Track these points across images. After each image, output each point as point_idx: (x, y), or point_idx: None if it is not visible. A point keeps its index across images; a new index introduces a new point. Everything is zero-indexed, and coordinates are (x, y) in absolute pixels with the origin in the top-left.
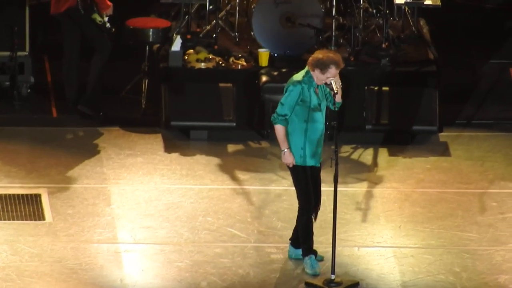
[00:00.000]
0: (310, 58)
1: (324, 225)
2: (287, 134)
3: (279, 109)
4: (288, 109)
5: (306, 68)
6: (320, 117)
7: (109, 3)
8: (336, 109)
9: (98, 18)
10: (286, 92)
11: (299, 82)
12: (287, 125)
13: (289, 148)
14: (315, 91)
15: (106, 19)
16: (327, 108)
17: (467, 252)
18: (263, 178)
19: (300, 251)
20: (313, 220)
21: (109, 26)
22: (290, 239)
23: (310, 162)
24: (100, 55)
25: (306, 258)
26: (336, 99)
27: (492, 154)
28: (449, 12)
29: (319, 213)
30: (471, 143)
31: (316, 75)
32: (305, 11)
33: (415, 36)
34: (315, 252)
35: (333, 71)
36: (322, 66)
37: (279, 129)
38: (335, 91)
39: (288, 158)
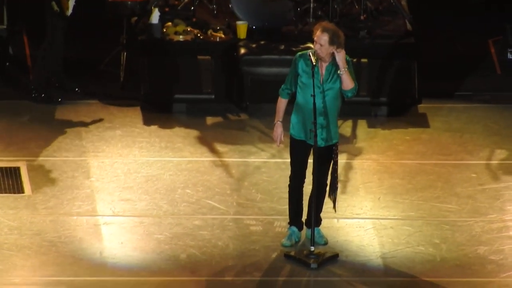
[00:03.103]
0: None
1: (304, 197)
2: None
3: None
4: (288, 81)
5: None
6: (308, 95)
7: None
8: (349, 96)
9: (54, 7)
10: None
11: (299, 54)
12: (288, 98)
13: (292, 119)
14: (311, 69)
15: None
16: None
17: (446, 223)
18: (242, 150)
19: (309, 231)
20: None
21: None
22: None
23: (300, 136)
24: (44, 44)
25: (288, 227)
26: (343, 84)
27: (471, 125)
28: None
29: None
30: (450, 114)
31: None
32: None
33: (393, 8)
34: (299, 225)
35: (317, 32)
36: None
37: (278, 100)
38: (314, 63)
39: (276, 131)
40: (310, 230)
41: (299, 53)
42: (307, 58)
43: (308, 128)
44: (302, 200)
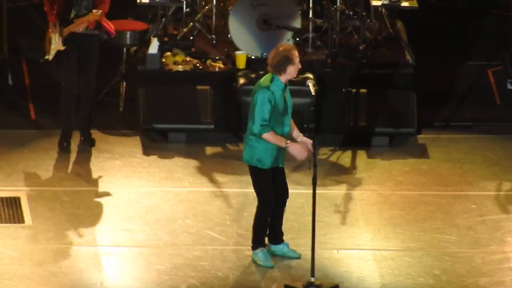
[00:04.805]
0: (272, 63)
1: (304, 228)
2: (256, 135)
3: (257, 119)
4: (267, 113)
5: (270, 75)
6: (288, 120)
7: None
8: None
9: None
10: (256, 100)
11: (268, 87)
12: (272, 129)
13: (259, 150)
14: (283, 95)
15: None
16: (305, 110)
17: (446, 254)
18: (241, 180)
19: (279, 246)
20: (283, 212)
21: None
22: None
23: (280, 163)
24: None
25: (257, 251)
26: None
27: (470, 156)
28: (426, 13)
29: (298, 216)
30: (450, 145)
31: (290, 71)
32: (282, 13)
33: (392, 38)
34: (265, 245)
35: (296, 52)
36: (289, 58)
37: (268, 136)
38: (313, 93)
39: (298, 150)
40: (279, 245)
41: (264, 85)
42: (279, 87)
43: (277, 153)
44: None
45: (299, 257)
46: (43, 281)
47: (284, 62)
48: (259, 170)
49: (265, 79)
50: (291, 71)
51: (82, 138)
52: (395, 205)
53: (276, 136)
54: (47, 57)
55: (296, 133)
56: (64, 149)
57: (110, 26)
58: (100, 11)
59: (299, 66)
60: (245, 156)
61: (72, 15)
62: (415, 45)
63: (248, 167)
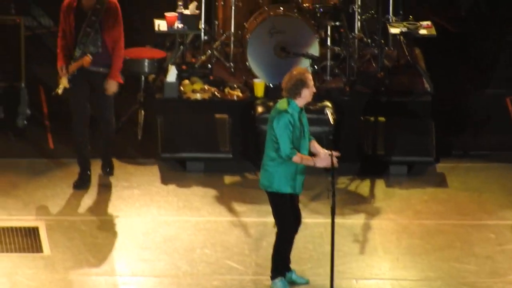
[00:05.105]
0: (286, 87)
1: (322, 257)
2: (275, 160)
3: (284, 143)
4: (287, 142)
5: (285, 99)
6: (305, 144)
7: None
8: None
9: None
10: (274, 125)
11: (286, 110)
12: (297, 151)
13: (278, 176)
14: (299, 118)
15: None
16: (323, 138)
17: (465, 284)
18: (260, 210)
19: (293, 274)
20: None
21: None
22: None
23: (287, 189)
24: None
25: (276, 280)
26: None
27: (489, 185)
28: (444, 41)
29: (317, 245)
30: (468, 174)
31: (305, 94)
32: (300, 40)
33: (410, 65)
34: (284, 274)
35: (310, 76)
36: (303, 81)
37: (297, 158)
38: (331, 122)
39: (324, 160)
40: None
41: (282, 109)
42: (296, 110)
43: (296, 178)
44: None
45: (308, 282)
46: None
47: (298, 85)
48: (279, 196)
49: (281, 103)
50: (306, 95)
51: (102, 165)
52: (414, 234)
53: (302, 156)
54: (57, 90)
55: (316, 149)
56: (84, 181)
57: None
58: (90, 57)
59: (314, 89)
60: (263, 182)
61: (78, 54)
62: (433, 73)
63: (266, 194)
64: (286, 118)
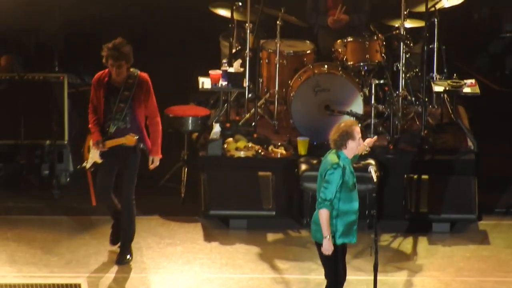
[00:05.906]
0: (333, 138)
1: None
2: (331, 217)
3: (323, 194)
4: (333, 193)
5: (334, 151)
6: (356, 195)
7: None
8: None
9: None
10: (326, 176)
11: (338, 164)
12: (331, 210)
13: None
14: (350, 170)
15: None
16: (367, 196)
17: None
18: (302, 267)
19: None
20: None
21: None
22: None
23: (343, 241)
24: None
25: None
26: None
27: None
28: (488, 99)
29: None
30: (510, 231)
31: (351, 146)
32: (344, 98)
33: (454, 124)
34: None
35: (357, 128)
36: (349, 133)
37: (323, 213)
38: (375, 180)
39: (330, 246)
40: None
41: (333, 162)
42: (346, 161)
43: (353, 228)
44: None
45: None
46: None
47: (344, 137)
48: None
49: (332, 156)
50: (352, 147)
51: (118, 251)
52: None
53: (326, 220)
54: (84, 164)
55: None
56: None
57: (148, 142)
58: (136, 137)
59: (361, 142)
60: (316, 235)
61: (112, 129)
62: (477, 131)
63: (316, 245)
64: (339, 173)
